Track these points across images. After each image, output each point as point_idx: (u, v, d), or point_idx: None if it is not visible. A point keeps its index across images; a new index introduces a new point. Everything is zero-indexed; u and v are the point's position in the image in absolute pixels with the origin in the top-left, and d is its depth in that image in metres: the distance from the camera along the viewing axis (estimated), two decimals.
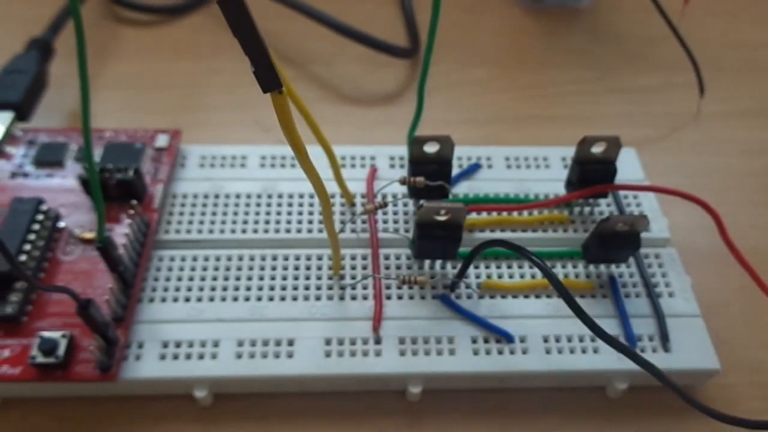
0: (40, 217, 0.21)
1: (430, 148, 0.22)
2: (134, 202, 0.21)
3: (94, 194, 0.17)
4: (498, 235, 0.23)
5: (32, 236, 0.20)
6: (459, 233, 0.21)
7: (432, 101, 0.31)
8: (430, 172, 0.22)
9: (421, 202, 0.21)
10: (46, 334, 0.19)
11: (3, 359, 0.19)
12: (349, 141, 0.27)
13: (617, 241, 0.21)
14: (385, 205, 0.22)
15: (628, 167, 0.26)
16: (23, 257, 0.20)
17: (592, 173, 0.23)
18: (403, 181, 0.22)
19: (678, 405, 0.21)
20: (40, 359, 0.18)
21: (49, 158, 0.24)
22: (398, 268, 0.23)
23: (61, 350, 0.18)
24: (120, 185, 0.22)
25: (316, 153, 0.19)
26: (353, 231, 0.23)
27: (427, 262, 0.22)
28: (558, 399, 0.21)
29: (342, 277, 0.22)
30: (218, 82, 0.31)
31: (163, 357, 0.20)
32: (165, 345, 0.20)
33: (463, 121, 0.30)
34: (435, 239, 0.21)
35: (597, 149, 0.23)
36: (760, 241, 0.26)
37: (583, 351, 0.21)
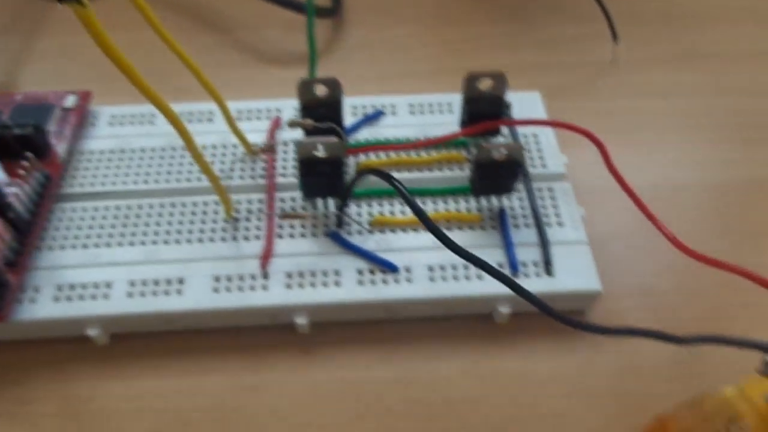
0: None
1: (320, 92, 0.23)
2: (29, 154, 0.22)
3: None
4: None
5: None
6: (340, 169, 0.21)
7: (351, 59, 0.32)
8: (320, 115, 0.23)
9: (300, 140, 0.21)
10: None
11: None
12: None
13: (496, 170, 0.21)
14: (271, 148, 0.22)
15: (533, 111, 0.26)
16: None
17: (481, 110, 0.23)
18: (291, 124, 0.23)
19: (563, 327, 0.22)
20: None
21: None
22: (293, 210, 0.23)
23: None
24: (20, 141, 0.23)
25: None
26: (252, 177, 0.24)
27: (320, 203, 0.23)
28: (446, 327, 0.22)
29: (237, 220, 0.23)
30: (141, 52, 0.31)
31: (57, 299, 0.21)
32: (60, 288, 0.21)
33: (379, 77, 0.30)
34: (319, 176, 0.21)
35: (484, 86, 0.23)
36: (665, 175, 0.26)
37: (467, 278, 0.21)
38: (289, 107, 0.26)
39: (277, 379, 0.21)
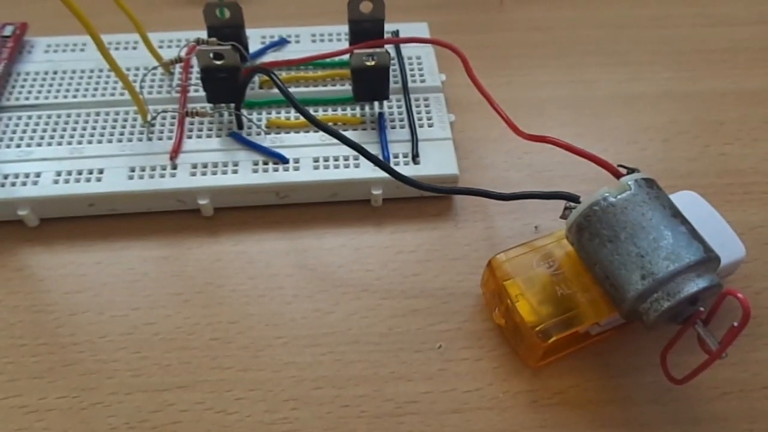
0: None
1: (223, 15, 0.26)
2: None
3: None
4: (292, 90, 0.28)
5: None
6: (236, 75, 0.25)
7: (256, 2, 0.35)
8: (225, 36, 0.27)
9: (198, 47, 0.25)
10: None
11: None
12: None
13: (368, 75, 0.25)
14: (179, 59, 0.26)
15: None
16: None
17: (363, 31, 0.27)
18: (197, 42, 0.26)
19: (431, 211, 0.26)
20: None
21: None
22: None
23: None
24: None
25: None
26: (168, 92, 0.28)
27: (225, 110, 0.27)
28: (330, 211, 0.26)
29: (152, 125, 0.26)
30: None
31: None
32: None
33: (280, 16, 0.34)
34: (218, 82, 0.25)
35: (365, 8, 0.27)
36: (534, 93, 0.30)
37: (346, 167, 0.25)
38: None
39: (184, 253, 0.24)
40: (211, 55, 0.24)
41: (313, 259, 0.24)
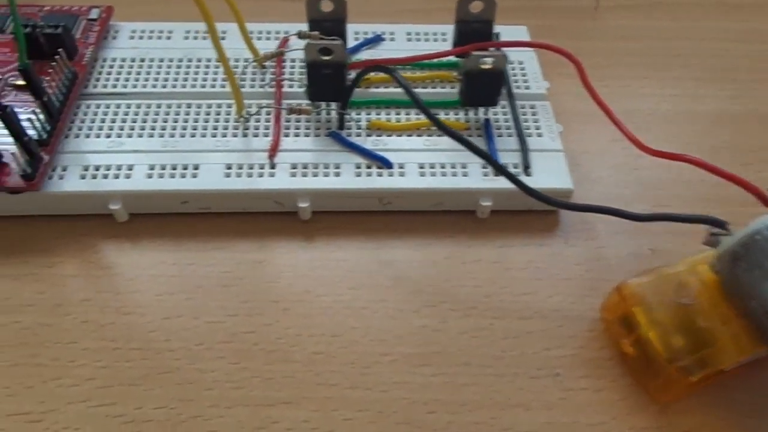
0: None
1: (326, 8, 0.25)
2: (60, 50, 0.24)
3: (16, 31, 0.20)
4: (389, 90, 0.26)
5: None
6: (342, 72, 0.23)
7: None
8: (326, 29, 0.25)
9: (307, 41, 0.23)
10: None
11: None
12: None
13: (483, 79, 0.24)
14: (281, 54, 0.24)
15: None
16: None
17: (471, 32, 0.26)
18: (300, 35, 0.25)
19: (539, 225, 0.24)
20: None
21: None
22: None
23: None
24: (49, 40, 0.25)
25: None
26: (261, 87, 0.26)
27: (323, 107, 0.25)
28: (433, 220, 0.24)
29: (247, 120, 0.25)
30: None
31: (83, 177, 0.23)
32: (86, 169, 0.23)
33: (377, 12, 0.33)
34: (323, 78, 0.24)
35: (475, 8, 0.25)
36: (638, 105, 0.29)
37: (453, 175, 0.24)
38: (296, 30, 0.28)
39: (280, 257, 0.23)
40: (319, 49, 0.23)
41: (416, 270, 0.23)
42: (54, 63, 0.24)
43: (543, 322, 0.22)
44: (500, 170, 0.21)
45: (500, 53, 0.23)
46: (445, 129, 0.21)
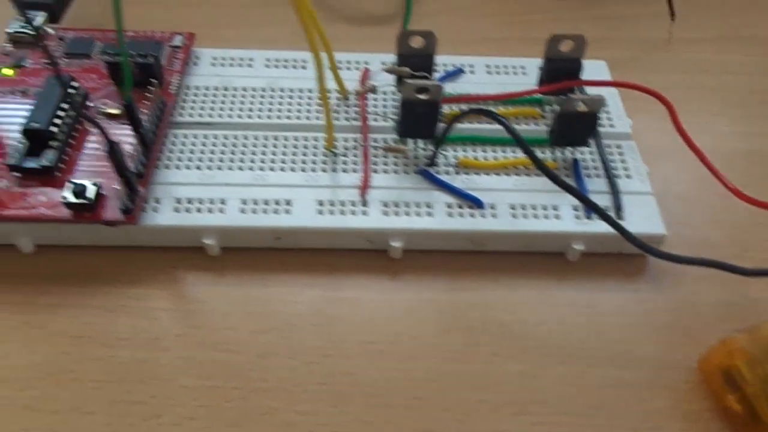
0: (72, 91, 0.24)
1: (416, 43, 0.25)
2: (154, 81, 0.24)
3: (123, 65, 0.20)
4: (475, 126, 0.26)
5: (65, 106, 0.23)
6: (436, 111, 0.23)
7: (424, 25, 0.34)
8: (414, 65, 0.25)
9: (404, 80, 0.23)
10: (77, 180, 0.22)
11: (39, 203, 0.22)
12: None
13: (577, 121, 0.24)
14: (373, 89, 0.24)
15: (599, 77, 0.29)
16: (57, 121, 0.23)
17: (559, 70, 0.26)
18: (389, 70, 0.25)
19: (628, 269, 0.24)
20: (72, 200, 0.21)
21: (77, 51, 0.27)
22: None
23: (91, 193, 0.21)
24: (141, 69, 0.25)
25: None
26: (347, 119, 0.26)
27: (410, 143, 0.25)
28: (523, 261, 0.24)
29: (335, 154, 0.25)
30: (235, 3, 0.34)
31: (177, 210, 0.23)
32: (179, 201, 0.23)
33: (452, 41, 0.32)
34: (416, 117, 0.24)
35: (565, 47, 0.25)
36: (717, 144, 0.29)
37: (546, 217, 0.24)
38: (377, 60, 0.28)
39: (370, 296, 0.23)
40: (416, 89, 0.23)
41: (508, 314, 0.23)
42: (147, 93, 0.24)
43: (638, 371, 0.22)
44: (605, 219, 0.21)
45: (598, 96, 0.23)
46: (549, 173, 0.21)
